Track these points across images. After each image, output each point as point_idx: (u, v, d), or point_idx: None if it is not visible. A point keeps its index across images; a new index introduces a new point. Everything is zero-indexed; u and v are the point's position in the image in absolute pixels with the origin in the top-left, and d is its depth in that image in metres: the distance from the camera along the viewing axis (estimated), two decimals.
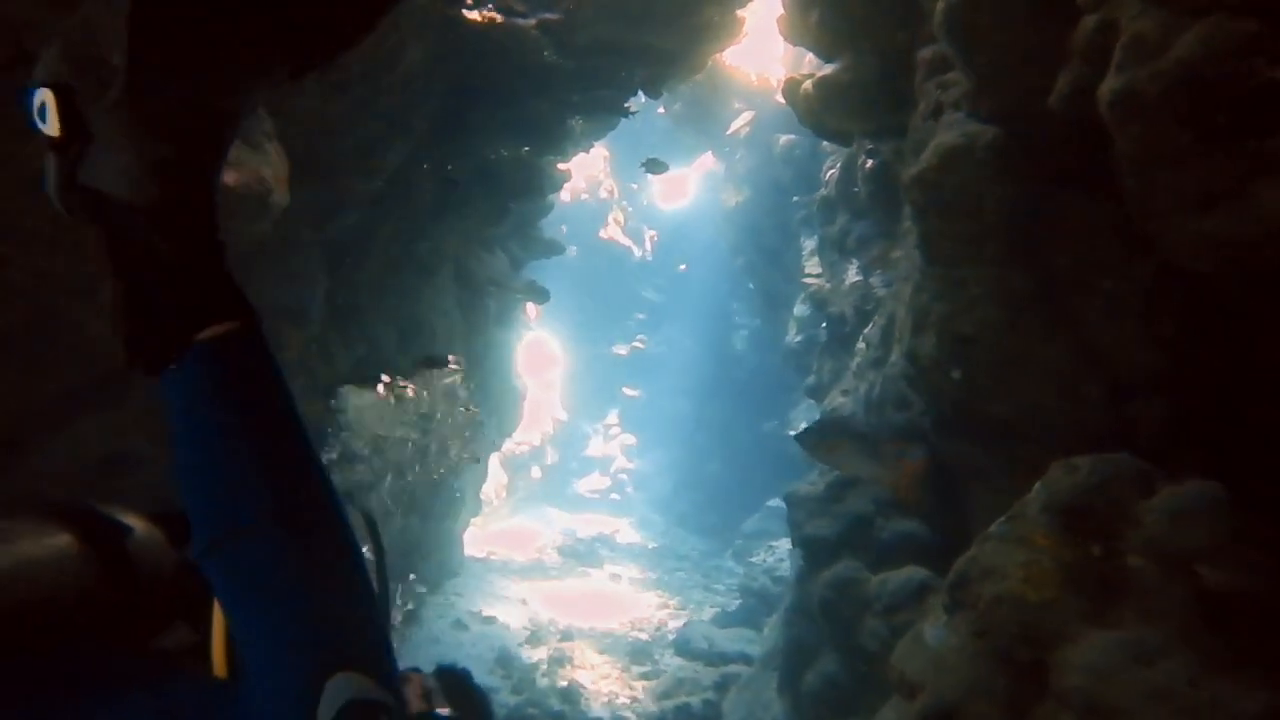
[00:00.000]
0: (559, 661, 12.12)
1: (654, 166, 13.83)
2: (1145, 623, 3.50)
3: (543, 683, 11.26)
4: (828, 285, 11.27)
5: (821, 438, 7.54)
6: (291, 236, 7.92)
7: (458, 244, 10.32)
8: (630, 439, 33.21)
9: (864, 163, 8.96)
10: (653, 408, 32.47)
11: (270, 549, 0.86)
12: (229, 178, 5.52)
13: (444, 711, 1.63)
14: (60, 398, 6.56)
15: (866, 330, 9.63)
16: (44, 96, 0.78)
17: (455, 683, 1.73)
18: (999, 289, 5.41)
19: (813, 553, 7.90)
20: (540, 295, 12.72)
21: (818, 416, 15.24)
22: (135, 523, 1.22)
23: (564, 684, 11.40)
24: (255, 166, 5.40)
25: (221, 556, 0.87)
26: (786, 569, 15.65)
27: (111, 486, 7.00)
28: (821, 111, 7.38)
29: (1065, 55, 5.00)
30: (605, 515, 26.57)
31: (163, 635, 1.12)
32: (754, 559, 16.91)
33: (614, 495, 30.08)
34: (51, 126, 0.79)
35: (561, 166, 12.87)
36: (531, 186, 10.39)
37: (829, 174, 11.49)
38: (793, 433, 7.55)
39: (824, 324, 13.30)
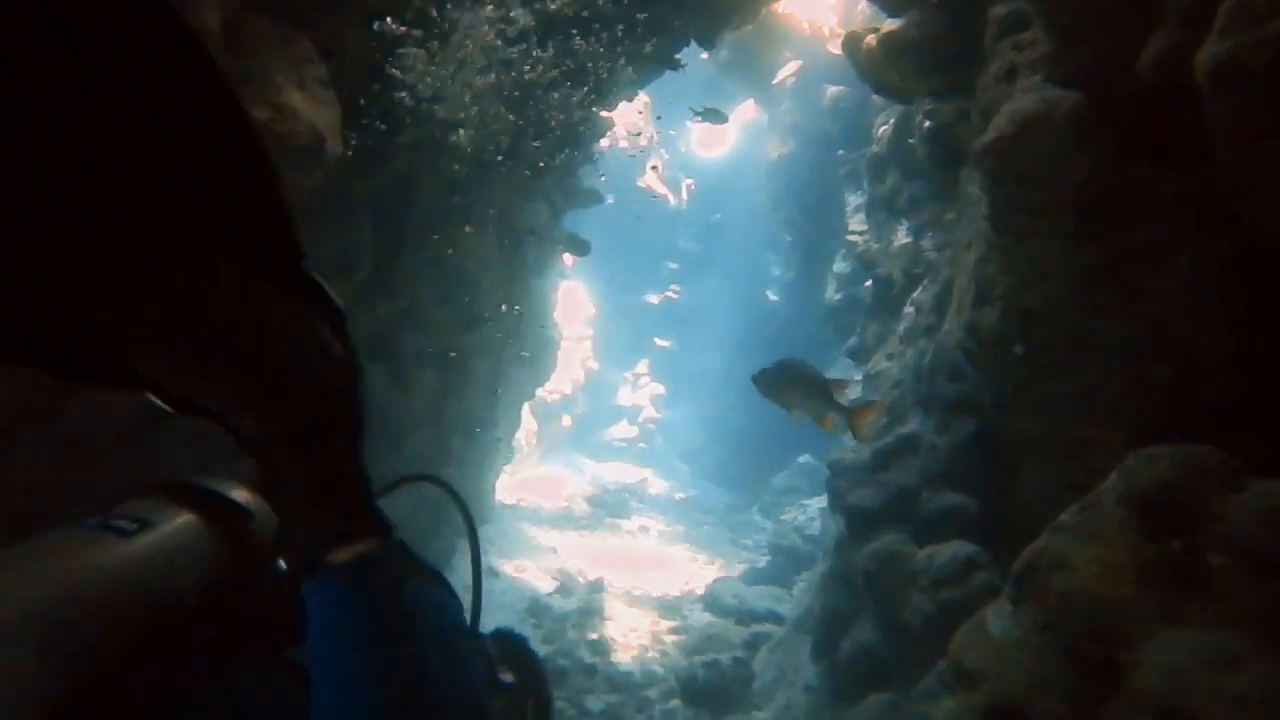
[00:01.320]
0: (588, 613, 12.18)
1: (712, 116, 13.31)
2: (1227, 625, 3.37)
3: (573, 634, 11.33)
4: (875, 245, 11.02)
5: (778, 380, 7.82)
6: (340, 186, 7.79)
7: (501, 194, 10.16)
8: (659, 389, 33.17)
9: (922, 123, 8.66)
10: (683, 359, 32.34)
11: None
12: (282, 127, 5.38)
13: (506, 678, 1.59)
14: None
15: (915, 294, 9.41)
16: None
17: (513, 647, 1.69)
18: (1069, 263, 5.21)
19: (855, 522, 7.81)
20: (581, 247, 12.54)
21: (856, 377, 15.07)
22: (245, 497, 1.17)
23: (594, 636, 11.46)
24: (309, 116, 5.25)
25: None
26: (817, 528, 15.61)
27: (156, 433, 7.00)
28: (884, 67, 7.10)
29: (1157, 17, 4.74)
30: (632, 464, 26.65)
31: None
32: (784, 516, 16.87)
33: (641, 444, 30.12)
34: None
35: (605, 114, 12.61)
36: (579, 136, 10.17)
37: (881, 130, 11.17)
38: (752, 375, 7.96)
39: (868, 283, 13.07)
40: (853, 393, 7.66)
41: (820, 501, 16.71)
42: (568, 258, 18.28)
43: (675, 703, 9.47)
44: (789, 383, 9.08)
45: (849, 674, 7.83)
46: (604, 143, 19.04)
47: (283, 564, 1.16)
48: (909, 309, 9.46)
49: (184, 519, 1.09)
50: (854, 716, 6.83)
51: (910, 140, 9.72)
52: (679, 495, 24.17)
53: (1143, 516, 3.72)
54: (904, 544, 6.94)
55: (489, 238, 10.73)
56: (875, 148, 11.35)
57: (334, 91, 5.98)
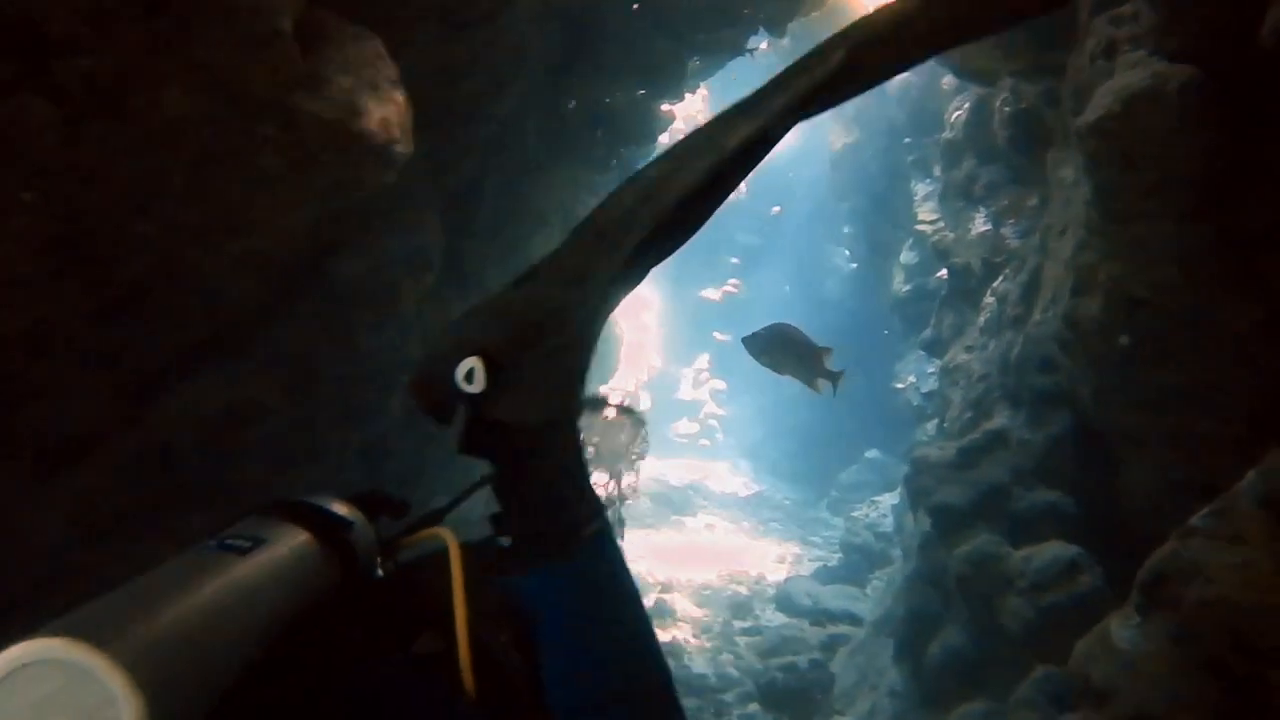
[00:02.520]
0: (659, 614, 12.03)
1: None
2: None
3: None
4: (950, 234, 10.67)
5: (769, 344, 8.42)
6: (410, 186, 7.72)
7: (567, 191, 10.02)
8: (720, 384, 32.88)
9: (1002, 106, 8.34)
10: (744, 353, 32.01)
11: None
12: (354, 126, 5.30)
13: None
14: (186, 348, 6.53)
15: (997, 284, 9.07)
16: (473, 362, 0.97)
17: None
18: (1181, 247, 4.89)
19: (942, 521, 7.52)
20: None
21: (929, 370, 14.71)
22: (345, 511, 1.25)
23: (666, 638, 11.31)
24: (382, 114, 5.15)
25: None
26: (889, 525, 15.27)
27: (235, 437, 7.00)
28: (968, 48, 6.80)
29: None
30: (695, 460, 26.43)
31: (418, 641, 1.14)
32: (855, 513, 16.53)
33: (703, 441, 29.89)
34: (478, 384, 0.97)
35: (666, 108, 12.42)
36: (644, 131, 9.99)
37: (955, 115, 10.81)
38: (743, 336, 8.63)
39: (940, 274, 12.70)
40: (836, 359, 8.24)
41: (892, 498, 16.34)
42: None
43: (754, 707, 9.26)
44: (780, 347, 9.26)
45: (937, 679, 7.56)
46: (663, 137, 18.88)
47: (379, 571, 1.27)
48: (990, 299, 9.13)
49: (295, 534, 1.17)
50: None
51: (988, 124, 9.37)
52: (744, 492, 23.91)
53: None
54: (998, 545, 6.65)
55: (555, 234, 10.62)
56: (949, 133, 10.99)
57: (404, 91, 5.89)
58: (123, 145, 4.68)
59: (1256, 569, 3.46)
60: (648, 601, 12.19)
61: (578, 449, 1.05)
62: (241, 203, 6.11)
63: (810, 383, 8.44)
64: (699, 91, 21.17)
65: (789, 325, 9.06)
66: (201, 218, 6.11)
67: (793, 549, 17.69)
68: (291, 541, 1.16)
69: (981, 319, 9.16)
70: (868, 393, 22.24)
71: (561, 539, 1.02)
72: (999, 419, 7.46)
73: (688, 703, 9.31)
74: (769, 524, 20.36)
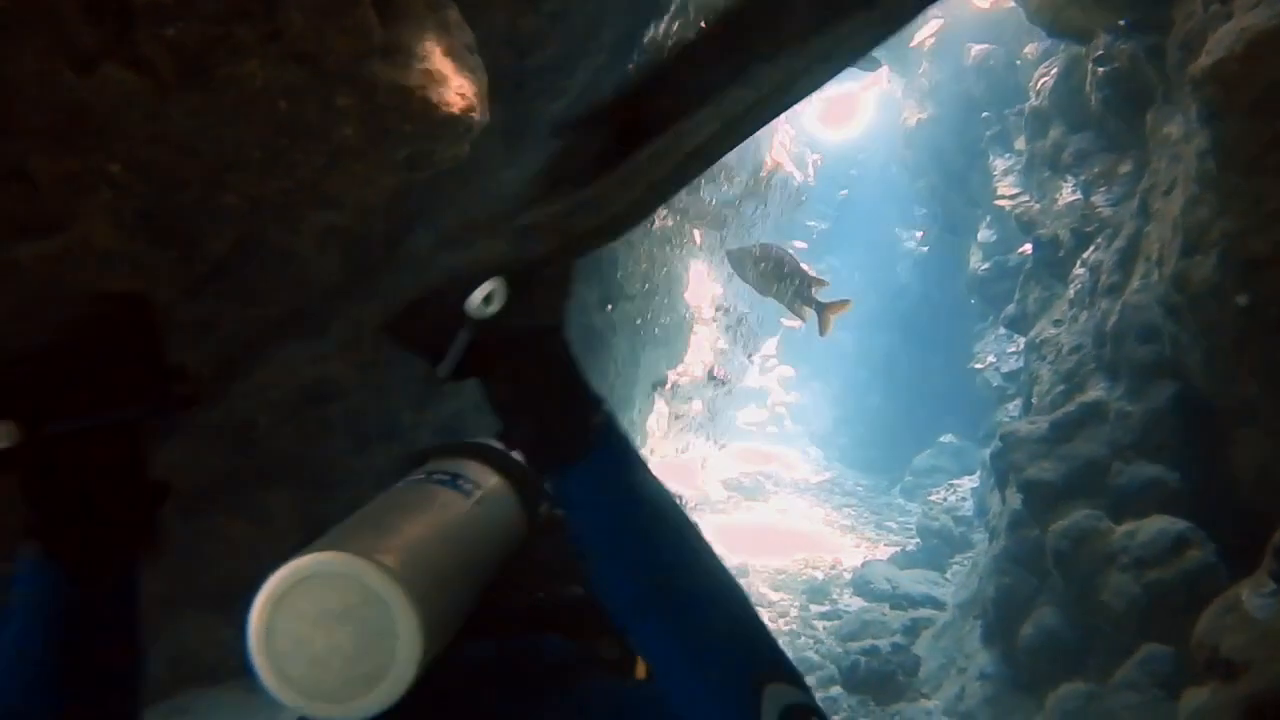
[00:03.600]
0: None
1: (866, 64, 12.51)
2: None
3: None
4: (1035, 205, 10.28)
5: (756, 261, 7.98)
6: (483, 160, 7.69)
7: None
8: (788, 371, 32.51)
9: (1096, 67, 7.97)
10: (812, 339, 31.60)
11: (696, 592, 1.00)
12: (432, 95, 5.26)
13: None
14: (268, 325, 6.59)
15: (1087, 255, 8.70)
16: (494, 284, 0.90)
17: None
18: None
19: (1035, 498, 7.24)
20: (715, 220, 12.20)
21: (1010, 349, 14.29)
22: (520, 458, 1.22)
23: None
24: (459, 82, 5.09)
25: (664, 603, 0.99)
26: (969, 509, 14.90)
27: (316, 414, 7.06)
28: (1065, 3, 6.50)
29: None
30: (763, 447, 26.17)
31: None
32: (932, 497, 16.16)
33: (771, 428, 29.59)
34: (497, 304, 0.91)
35: None
36: None
37: (1040, 82, 10.41)
38: (728, 249, 8.33)
39: (1023, 249, 12.30)
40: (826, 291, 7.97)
41: (971, 481, 15.94)
42: (697, 235, 17.99)
43: (836, 690, 9.07)
44: (767, 267, 8.89)
45: (1031, 661, 7.29)
46: None
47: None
48: (1080, 270, 8.77)
49: (497, 480, 1.25)
50: (1049, 708, 6.31)
51: (1078, 89, 9.00)
52: (815, 478, 23.61)
53: None
54: (1099, 520, 6.37)
55: None
56: (1034, 100, 10.59)
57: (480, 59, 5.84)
58: (207, 117, 4.69)
59: None
60: None
61: (569, 344, 1.05)
62: (321, 175, 6.13)
63: (794, 309, 8.09)
64: None
65: (780, 246, 8.78)
66: (282, 190, 6.14)
67: (867, 534, 17.39)
68: (498, 488, 1.23)
69: (1071, 291, 8.81)
70: (941, 376, 21.78)
71: (576, 436, 1.00)
72: (1094, 391, 7.15)
73: None
74: (842, 509, 20.05)
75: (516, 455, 1.12)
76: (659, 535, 1.03)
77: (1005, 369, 13.95)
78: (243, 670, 0.96)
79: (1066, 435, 7.13)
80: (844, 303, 8.98)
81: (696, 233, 18.20)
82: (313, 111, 5.02)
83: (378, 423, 7.39)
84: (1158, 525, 5.96)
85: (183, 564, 6.52)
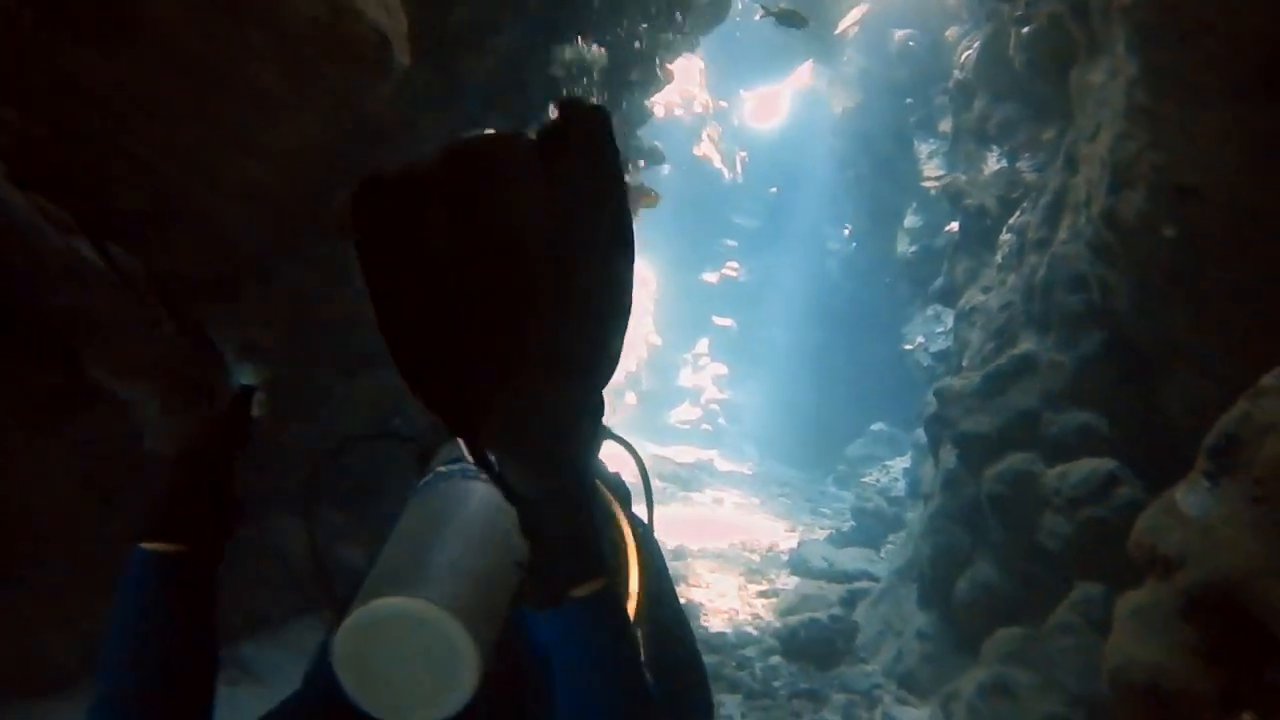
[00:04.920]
0: (673, 579, 11.79)
1: (787, 19, 11.76)
2: None
3: None
4: (963, 177, 10.44)
5: None
6: (410, 120, 7.49)
7: None
8: (721, 369, 32.66)
9: (1020, 28, 8.10)
10: (744, 337, 31.78)
11: None
12: (342, 29, 5.08)
13: None
14: (190, 287, 6.30)
15: (1013, 219, 8.84)
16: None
17: None
18: (1238, 131, 4.63)
19: (970, 451, 7.31)
20: (649, 199, 12.10)
21: (939, 329, 14.50)
22: None
23: (681, 602, 11.06)
24: (374, 16, 4.93)
25: None
26: (901, 489, 15.05)
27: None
28: None
29: None
30: (697, 447, 26.19)
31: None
32: (865, 479, 16.30)
33: (705, 426, 29.65)
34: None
35: (667, 67, 12.18)
36: (645, 75, 9.74)
37: (965, 56, 10.59)
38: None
39: (950, 228, 12.50)
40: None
41: (904, 461, 16.12)
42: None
43: (776, 659, 9.02)
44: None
45: (968, 616, 7.33)
46: (660, 111, 18.64)
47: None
48: (1007, 236, 8.91)
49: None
50: (985, 652, 6.33)
51: (1001, 59, 9.15)
52: (750, 472, 23.71)
53: None
54: (1032, 463, 6.43)
55: None
56: (959, 73, 10.77)
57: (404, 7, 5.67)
58: (110, 56, 4.45)
59: None
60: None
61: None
62: (239, 123, 5.88)
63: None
64: (692, 63, 21.03)
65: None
66: (198, 140, 5.87)
67: (803, 520, 17.47)
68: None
69: (999, 257, 8.94)
70: (872, 368, 22.07)
71: (565, 587, 1.14)
72: (1025, 344, 7.24)
73: (707, 659, 9.05)
74: (777, 498, 20.14)
75: None
76: (622, 688, 1.14)
77: (935, 348, 14.13)
78: None
79: (999, 388, 7.20)
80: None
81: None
82: (224, 49, 4.81)
83: (301, 393, 7.12)
84: (1088, 466, 6.04)
85: (100, 548, 6.16)
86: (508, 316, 0.87)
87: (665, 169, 18.87)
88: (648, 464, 1.68)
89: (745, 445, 27.62)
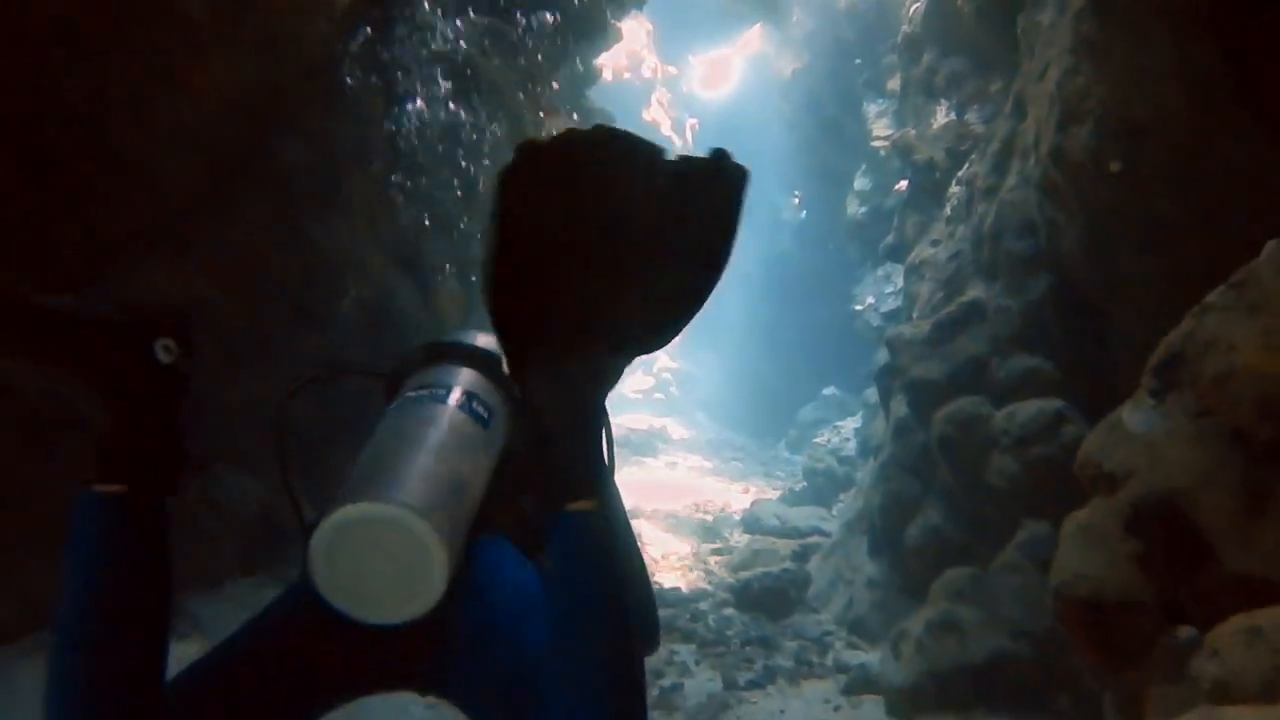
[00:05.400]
0: None
1: None
2: None
3: None
4: (912, 131, 10.48)
5: None
6: (348, 66, 7.31)
7: (516, 91, 9.64)
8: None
9: None
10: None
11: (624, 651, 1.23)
12: None
13: None
14: (125, 236, 6.09)
15: (962, 171, 8.90)
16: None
17: None
18: (1186, 66, 4.66)
19: (920, 398, 7.37)
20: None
21: (889, 290, 14.60)
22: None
23: None
24: None
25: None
26: (852, 449, 15.20)
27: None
28: None
29: None
30: (650, 415, 26.23)
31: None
32: (817, 440, 16.44)
33: (658, 395, 29.71)
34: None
35: (615, 24, 12.05)
36: (594, 26, 9.62)
37: (913, 9, 10.60)
38: None
39: (899, 186, 12.56)
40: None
41: (855, 422, 16.28)
42: None
43: (730, 611, 9.08)
44: None
45: (917, 561, 7.43)
46: (608, 75, 18.45)
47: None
48: (956, 188, 8.97)
49: (493, 389, 1.52)
50: (933, 591, 6.42)
51: (948, 10, 9.17)
52: (703, 438, 23.81)
53: None
54: (980, 405, 6.51)
55: (507, 146, 10.24)
56: (907, 27, 10.78)
57: None
58: None
59: None
60: None
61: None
62: (170, 61, 5.67)
63: None
64: (640, 24, 20.82)
65: None
66: (127, 81, 5.66)
67: (756, 482, 17.60)
68: (494, 397, 1.47)
69: (948, 209, 9.00)
70: (823, 335, 22.21)
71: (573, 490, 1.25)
72: (974, 291, 7.30)
73: (661, 612, 9.08)
74: (730, 462, 20.27)
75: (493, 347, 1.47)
76: (603, 606, 1.22)
77: (885, 309, 14.23)
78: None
79: (948, 335, 7.26)
80: None
81: None
82: None
83: (249, 345, 6.95)
84: (1035, 405, 6.12)
85: (35, 501, 5.98)
86: (599, 287, 1.07)
87: None
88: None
89: (697, 414, 27.73)
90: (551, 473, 1.20)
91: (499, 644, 1.41)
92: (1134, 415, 3.59)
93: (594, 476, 1.22)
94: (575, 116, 12.16)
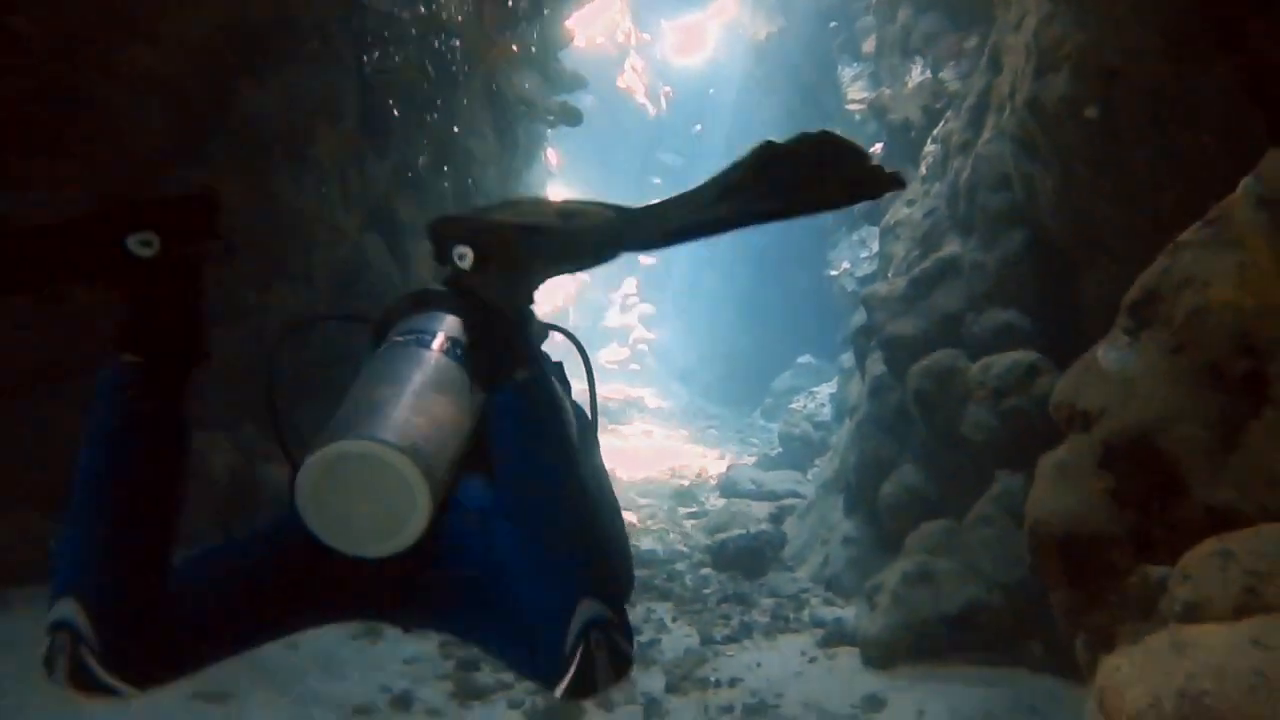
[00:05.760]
0: None
1: None
2: None
3: None
4: (887, 91, 10.43)
5: None
6: (322, 20, 7.16)
7: (487, 49, 9.51)
8: (648, 309, 32.61)
9: None
10: (671, 276, 31.72)
11: (564, 516, 1.38)
12: None
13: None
14: (92, 189, 5.97)
15: (938, 130, 8.88)
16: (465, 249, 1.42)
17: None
18: (1158, 10, 4.64)
19: (896, 355, 7.38)
20: (573, 116, 11.89)
21: (864, 255, 14.60)
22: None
23: None
24: None
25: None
26: (828, 414, 15.25)
27: None
28: None
29: None
30: (626, 386, 26.19)
31: None
32: (793, 405, 16.48)
33: (633, 366, 29.67)
34: (467, 263, 1.42)
35: None
36: None
37: None
38: None
39: (875, 148, 12.52)
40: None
41: (830, 387, 16.33)
42: (553, 156, 17.66)
43: (706, 571, 9.11)
44: None
45: (892, 518, 7.46)
46: (581, 42, 18.25)
47: None
48: (931, 147, 8.95)
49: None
50: (908, 545, 6.46)
51: None
52: (678, 407, 23.83)
53: None
54: (956, 358, 6.52)
55: (479, 107, 10.10)
56: None
57: None
58: None
59: (1255, 269, 3.29)
60: None
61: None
62: (130, 4, 5.52)
63: None
64: None
65: None
66: (86, 23, 5.51)
67: (731, 449, 17.64)
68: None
69: (924, 168, 8.98)
70: (798, 299, 22.21)
71: (514, 364, 1.45)
72: (950, 247, 7.30)
73: (638, 572, 9.07)
74: (706, 430, 20.31)
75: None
76: (550, 465, 1.38)
77: (860, 273, 14.25)
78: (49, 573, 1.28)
79: (923, 292, 7.27)
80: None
81: (553, 154, 17.88)
82: None
83: (215, 302, 6.84)
84: (1011, 356, 6.14)
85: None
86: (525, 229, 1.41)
87: (589, 99, 18.54)
88: (578, 398, 1.92)
89: (673, 384, 27.72)
90: (489, 352, 1.38)
91: (473, 553, 1.46)
92: (1109, 354, 3.60)
93: (527, 347, 1.43)
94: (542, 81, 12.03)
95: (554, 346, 2.05)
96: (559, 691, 1.30)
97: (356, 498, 1.27)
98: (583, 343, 1.99)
